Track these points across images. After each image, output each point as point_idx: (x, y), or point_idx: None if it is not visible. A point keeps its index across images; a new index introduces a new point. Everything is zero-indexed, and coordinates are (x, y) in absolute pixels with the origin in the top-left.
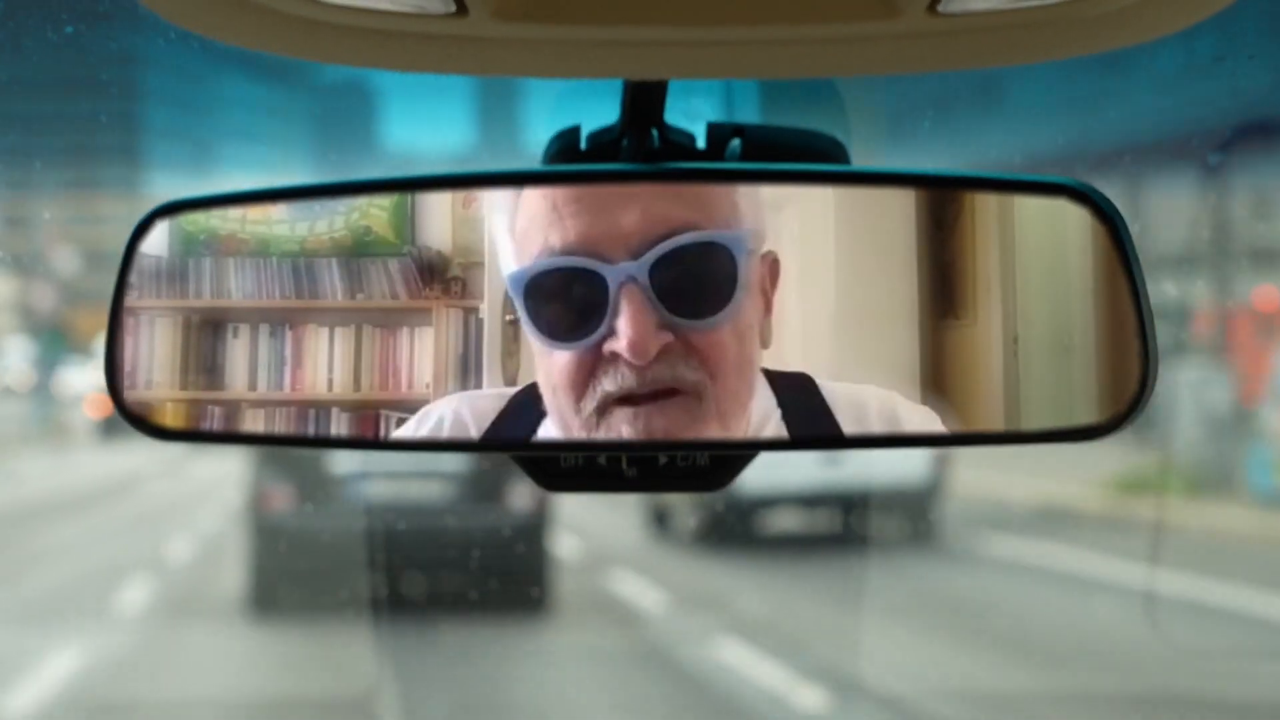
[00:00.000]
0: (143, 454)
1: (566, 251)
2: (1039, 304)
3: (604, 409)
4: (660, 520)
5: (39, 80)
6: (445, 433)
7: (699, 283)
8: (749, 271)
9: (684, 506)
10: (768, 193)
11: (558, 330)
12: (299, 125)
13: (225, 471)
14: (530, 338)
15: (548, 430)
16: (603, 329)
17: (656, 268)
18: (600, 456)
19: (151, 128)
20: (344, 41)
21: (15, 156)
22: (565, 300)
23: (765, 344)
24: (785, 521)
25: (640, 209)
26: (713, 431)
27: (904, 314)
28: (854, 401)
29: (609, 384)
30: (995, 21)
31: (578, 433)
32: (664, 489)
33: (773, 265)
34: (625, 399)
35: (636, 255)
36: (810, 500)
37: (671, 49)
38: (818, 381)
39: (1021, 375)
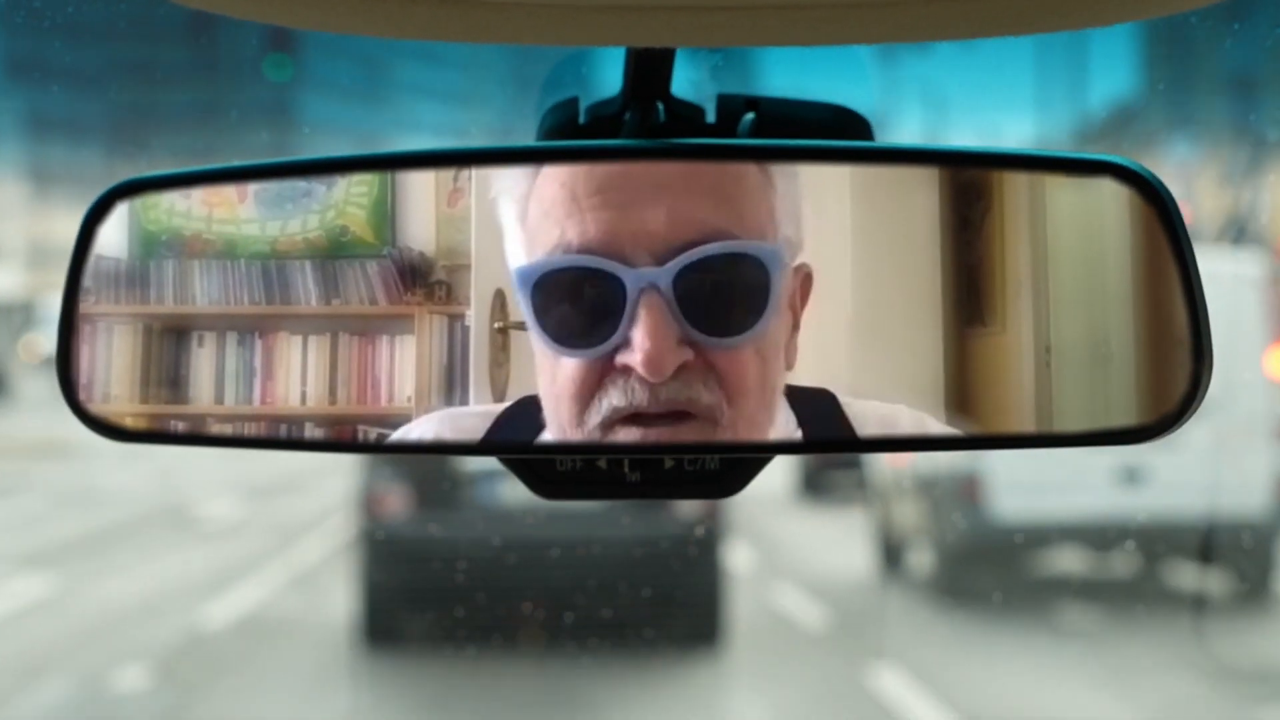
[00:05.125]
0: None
1: (584, 249)
2: (1074, 308)
3: (609, 425)
4: (891, 558)
5: None
6: None
7: (727, 297)
8: (781, 288)
9: (921, 540)
10: (804, 196)
11: (567, 335)
12: (496, 50)
13: None
14: (536, 341)
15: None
16: (616, 338)
17: (681, 276)
18: (600, 460)
19: (305, 39)
20: (331, 5)
21: (140, 71)
22: (578, 303)
23: (790, 365)
24: (1064, 563)
25: (668, 208)
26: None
27: (926, 320)
28: (883, 421)
29: (618, 398)
30: None
31: None
32: (670, 495)
33: (805, 279)
34: (634, 417)
35: (661, 260)
36: (1100, 538)
37: (678, 14)
38: (840, 399)
39: (1055, 388)
